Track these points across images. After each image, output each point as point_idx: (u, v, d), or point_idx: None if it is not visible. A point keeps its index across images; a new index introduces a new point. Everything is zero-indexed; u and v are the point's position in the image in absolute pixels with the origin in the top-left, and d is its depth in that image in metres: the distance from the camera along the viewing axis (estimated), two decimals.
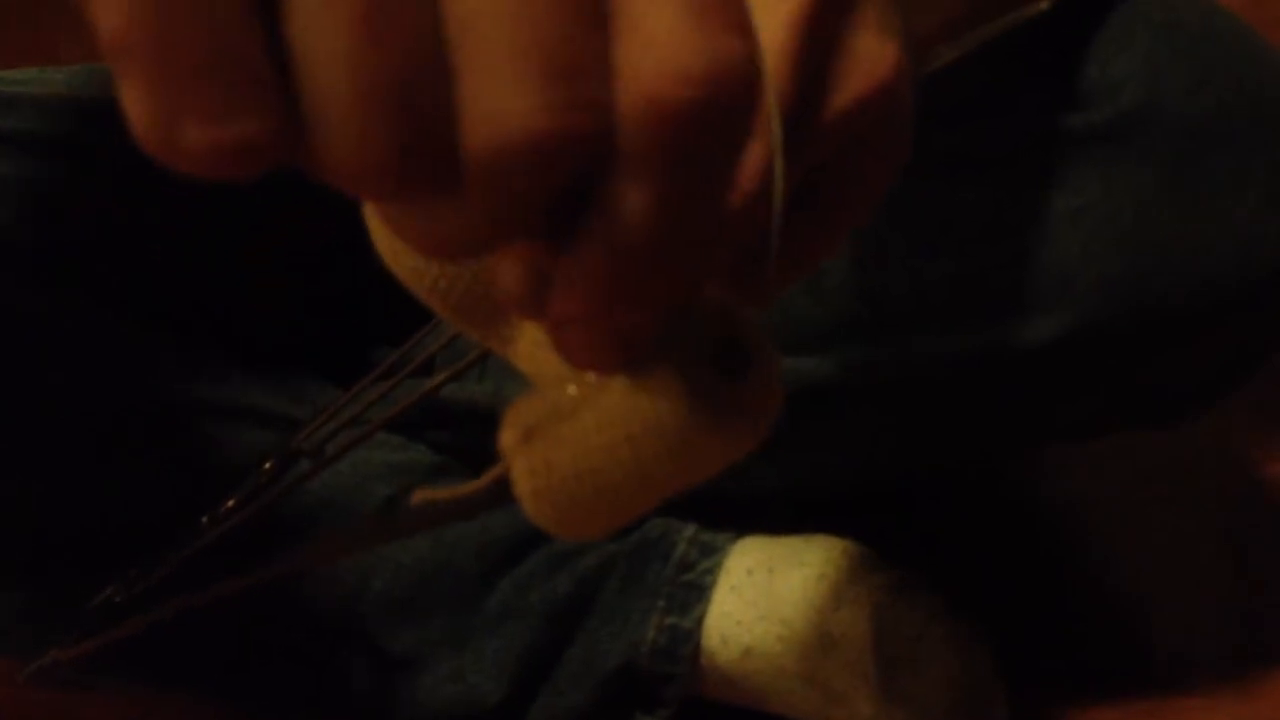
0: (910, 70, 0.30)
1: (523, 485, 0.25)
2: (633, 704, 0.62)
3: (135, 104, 0.19)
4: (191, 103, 0.18)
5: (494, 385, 0.65)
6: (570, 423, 0.24)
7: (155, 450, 0.61)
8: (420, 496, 0.29)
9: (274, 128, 0.19)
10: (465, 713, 0.62)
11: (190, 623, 0.61)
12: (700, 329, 0.24)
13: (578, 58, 0.19)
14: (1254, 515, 0.72)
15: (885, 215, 0.58)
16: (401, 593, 0.62)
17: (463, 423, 0.65)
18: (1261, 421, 0.76)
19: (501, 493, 0.25)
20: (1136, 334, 0.56)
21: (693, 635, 0.61)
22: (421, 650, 0.62)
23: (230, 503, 0.49)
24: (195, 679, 0.63)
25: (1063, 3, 0.55)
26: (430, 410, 0.65)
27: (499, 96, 0.19)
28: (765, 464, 0.62)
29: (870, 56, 0.29)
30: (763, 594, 0.61)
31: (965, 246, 0.57)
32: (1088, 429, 0.64)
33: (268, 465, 0.50)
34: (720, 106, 0.20)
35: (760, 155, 0.26)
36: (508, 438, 0.25)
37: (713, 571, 0.62)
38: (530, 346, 0.26)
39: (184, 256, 0.64)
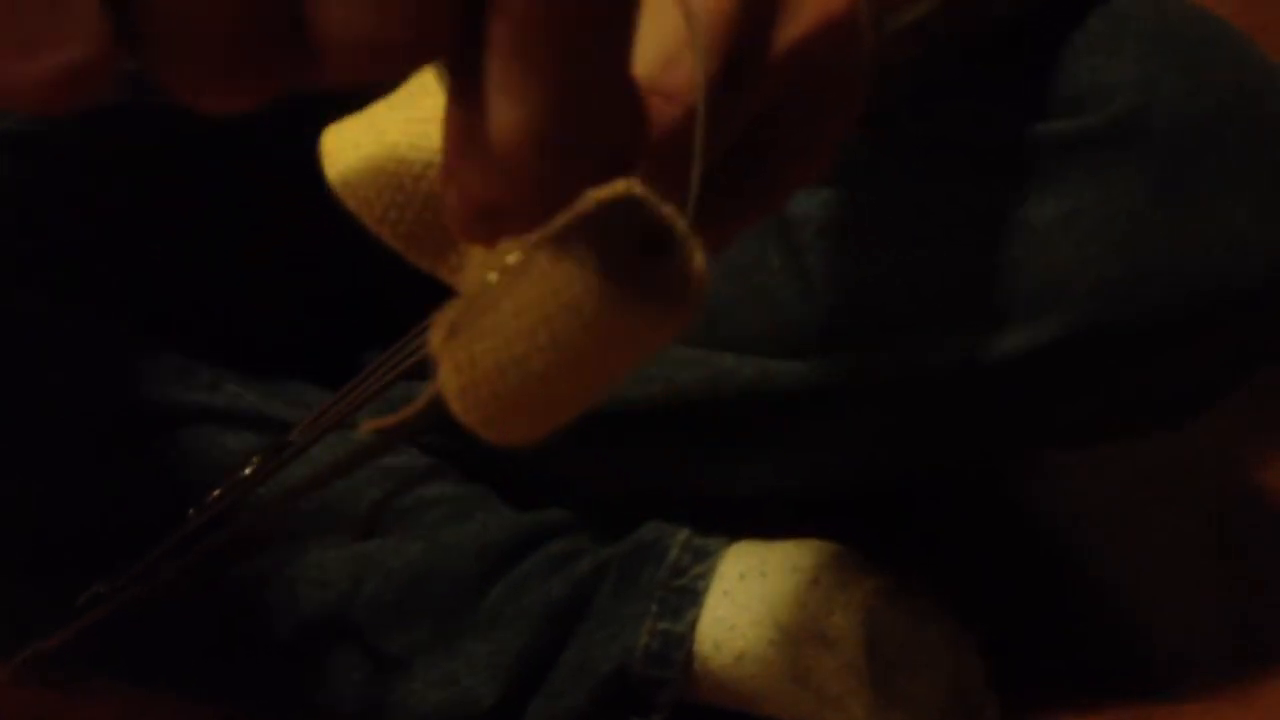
0: (869, 13, 0.30)
1: (450, 385, 0.24)
2: (626, 708, 0.62)
3: None
4: (4, 34, 0.17)
5: None
6: (491, 313, 0.24)
7: (150, 453, 0.61)
8: (368, 427, 0.29)
9: (101, 47, 0.18)
10: (458, 716, 0.61)
11: (181, 621, 0.61)
12: (622, 212, 0.23)
13: None
14: (1253, 517, 0.72)
15: (877, 219, 0.59)
16: (394, 595, 0.61)
17: (455, 425, 0.65)
18: (1261, 423, 0.75)
19: (442, 406, 0.25)
20: (1133, 337, 0.56)
21: (685, 640, 0.61)
22: (414, 653, 0.61)
23: (215, 493, 0.49)
24: (186, 679, 0.63)
25: (1045, 3, 0.55)
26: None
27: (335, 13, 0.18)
28: (763, 464, 0.63)
29: None
30: (756, 598, 0.60)
31: (959, 249, 0.57)
32: (1087, 432, 0.64)
33: (254, 460, 0.51)
34: None
35: (691, 74, 0.26)
36: (435, 338, 0.25)
37: (705, 576, 0.62)
38: (478, 273, 0.26)
39: (179, 260, 0.65)
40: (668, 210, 0.23)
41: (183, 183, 0.64)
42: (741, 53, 0.29)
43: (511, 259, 0.23)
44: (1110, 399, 0.59)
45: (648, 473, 0.64)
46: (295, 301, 0.69)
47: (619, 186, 0.22)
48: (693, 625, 0.61)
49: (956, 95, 0.57)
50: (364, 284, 0.66)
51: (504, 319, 0.23)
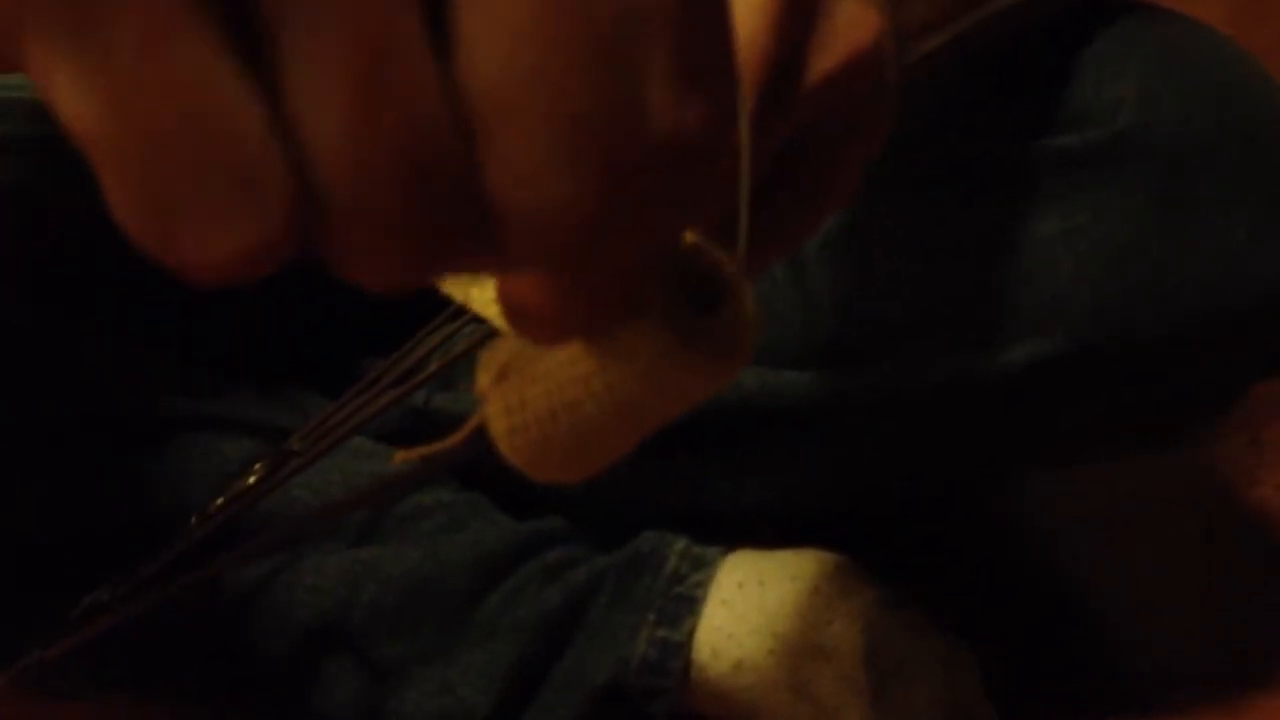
0: (893, 46, 0.31)
1: (498, 426, 0.25)
2: (622, 718, 0.62)
3: (120, 203, 0.16)
4: (188, 205, 0.15)
5: None
6: (543, 358, 0.24)
7: (149, 459, 0.61)
8: (402, 456, 0.29)
9: (287, 225, 0.16)
10: None
11: (178, 627, 0.61)
12: (674, 264, 0.23)
13: (607, 121, 0.17)
14: (1241, 535, 0.72)
15: (880, 232, 0.59)
16: (391, 603, 0.61)
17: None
18: (1248, 443, 0.75)
19: (481, 440, 0.25)
20: (1132, 353, 0.56)
21: (683, 649, 0.61)
22: (410, 662, 0.61)
23: (219, 501, 0.49)
24: (183, 685, 0.63)
25: (1050, 22, 0.56)
26: (422, 422, 0.65)
27: (538, 168, 0.16)
28: (764, 476, 0.63)
29: (852, 23, 0.30)
30: (754, 607, 0.60)
31: (962, 263, 0.57)
32: (1085, 447, 0.64)
33: (257, 467, 0.50)
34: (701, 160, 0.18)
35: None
36: (482, 379, 0.25)
37: (704, 585, 0.62)
38: None
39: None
40: (720, 260, 0.23)
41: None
42: (776, 85, 0.29)
43: None
44: (1109, 415, 0.59)
45: (647, 484, 0.64)
46: (294, 308, 0.68)
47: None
48: (691, 633, 0.61)
49: (963, 111, 0.57)
50: (363, 292, 0.66)
51: (557, 365, 0.24)
